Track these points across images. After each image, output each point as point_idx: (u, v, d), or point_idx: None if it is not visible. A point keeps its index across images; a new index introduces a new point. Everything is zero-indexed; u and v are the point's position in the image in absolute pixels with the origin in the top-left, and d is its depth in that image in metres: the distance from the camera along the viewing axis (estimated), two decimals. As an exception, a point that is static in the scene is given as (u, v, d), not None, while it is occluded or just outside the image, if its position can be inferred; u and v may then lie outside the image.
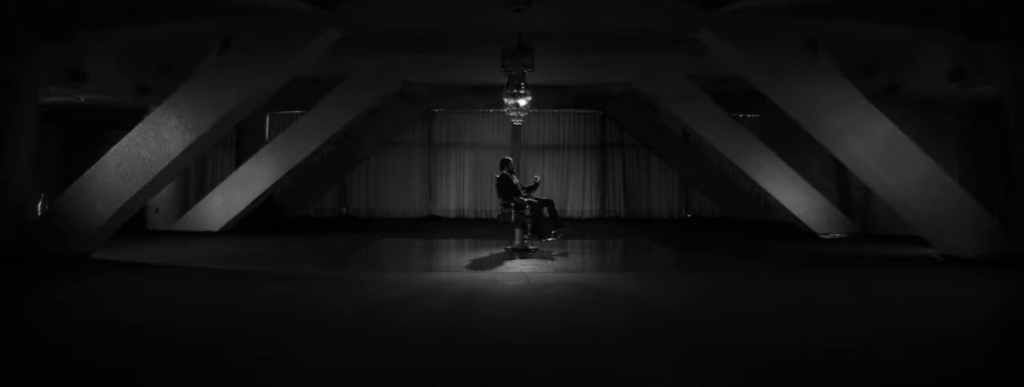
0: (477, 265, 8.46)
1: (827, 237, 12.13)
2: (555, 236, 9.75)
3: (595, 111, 16.41)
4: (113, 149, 8.30)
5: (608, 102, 15.85)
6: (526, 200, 9.67)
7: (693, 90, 12.22)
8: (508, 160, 10.06)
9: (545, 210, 9.79)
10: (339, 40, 8.96)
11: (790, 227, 13.14)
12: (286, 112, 15.44)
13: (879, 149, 8.41)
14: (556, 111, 16.31)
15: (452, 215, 16.29)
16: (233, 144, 16.18)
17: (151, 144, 8.20)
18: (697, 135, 13.23)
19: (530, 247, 9.71)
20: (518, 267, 8.26)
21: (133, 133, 8.29)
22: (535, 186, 10.18)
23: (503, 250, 9.76)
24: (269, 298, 6.31)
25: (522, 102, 9.98)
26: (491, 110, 16.17)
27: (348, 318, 5.46)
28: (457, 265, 8.50)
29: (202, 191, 13.54)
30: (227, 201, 12.38)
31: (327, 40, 8.53)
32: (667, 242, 11.43)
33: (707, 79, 12.21)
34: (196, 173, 15.54)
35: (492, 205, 15.38)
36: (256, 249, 10.36)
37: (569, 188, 16.36)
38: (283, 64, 8.40)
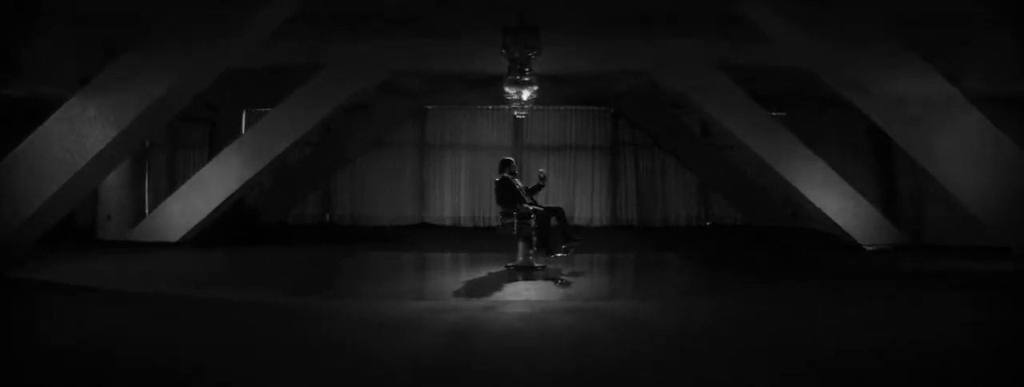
0: (473, 289, 6.90)
1: (870, 248, 10.62)
2: (566, 251, 8.18)
3: (605, 108, 14.83)
4: (20, 147, 6.74)
5: (620, 98, 14.30)
6: (531, 208, 8.11)
7: (721, 81, 10.66)
8: (509, 161, 8.49)
9: (553, 220, 8.22)
10: (309, 22, 7.43)
11: (826, 237, 11.61)
12: (265, 109, 13.83)
13: (969, 147, 6.87)
14: (562, 108, 14.73)
15: (446, 223, 14.68)
16: (206, 144, 14.63)
17: (66, 140, 6.64)
18: (725, 133, 11.68)
19: (535, 264, 8.15)
20: (521, 292, 6.73)
21: (44, 127, 6.73)
22: (541, 186, 8.60)
23: (503, 268, 8.20)
24: (185, 343, 4.73)
25: (525, 94, 8.45)
26: (490, 107, 14.61)
27: (304, 365, 3.93)
28: (449, 289, 6.95)
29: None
30: (187, 208, 10.82)
31: (281, 8, 6.91)
32: (691, 256, 9.88)
33: (733, 68, 10.68)
34: (165, 175, 14.13)
35: (491, 212, 13.83)
36: (214, 265, 8.87)
37: (576, 193, 14.76)
38: (224, 40, 6.80)
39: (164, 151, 14.73)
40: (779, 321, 5.54)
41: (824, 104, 13.26)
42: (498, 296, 6.47)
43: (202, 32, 6.69)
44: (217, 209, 10.99)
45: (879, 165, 12.36)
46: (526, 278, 7.55)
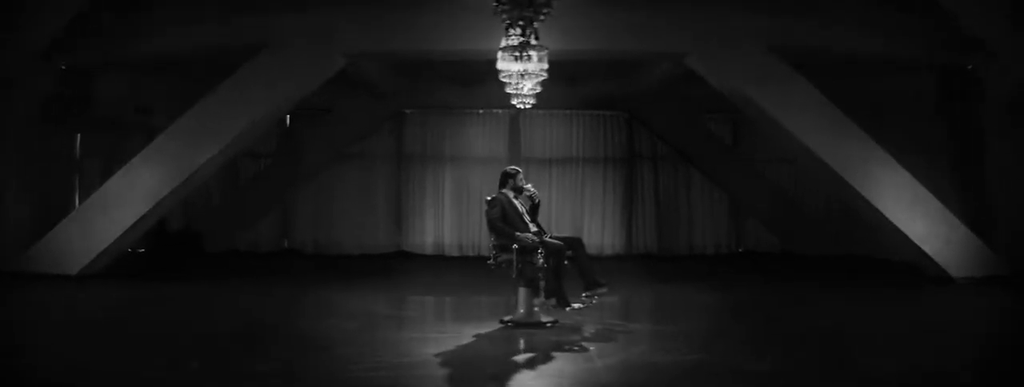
0: (450, 371, 4.39)
1: (961, 281, 8.48)
2: (587, 301, 5.72)
3: (620, 112, 12.42)
4: None
5: (637, 100, 11.94)
6: (537, 240, 5.64)
7: (778, 69, 8.36)
8: (516, 172, 6.00)
9: (568, 255, 5.76)
10: None
11: (894, 266, 9.54)
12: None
13: None
14: (568, 112, 12.32)
15: (428, 251, 12.17)
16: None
17: None
18: (759, 144, 9.38)
19: (543, 320, 5.68)
20: (525, 378, 4.23)
21: None
22: (535, 206, 6.14)
23: (498, 324, 5.73)
24: None
25: (528, 85, 6.14)
26: (480, 110, 12.23)
27: None
28: (416, 369, 4.43)
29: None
30: (87, 232, 8.42)
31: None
32: (744, 302, 7.50)
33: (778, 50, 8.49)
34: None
35: (481, 238, 11.46)
36: (91, 316, 6.54)
37: (585, 215, 12.30)
38: None
39: (99, 163, 12.51)
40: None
41: (879, 106, 10.96)
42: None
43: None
44: (127, 233, 8.55)
45: (963, 178, 10.01)
46: (530, 347, 5.07)
